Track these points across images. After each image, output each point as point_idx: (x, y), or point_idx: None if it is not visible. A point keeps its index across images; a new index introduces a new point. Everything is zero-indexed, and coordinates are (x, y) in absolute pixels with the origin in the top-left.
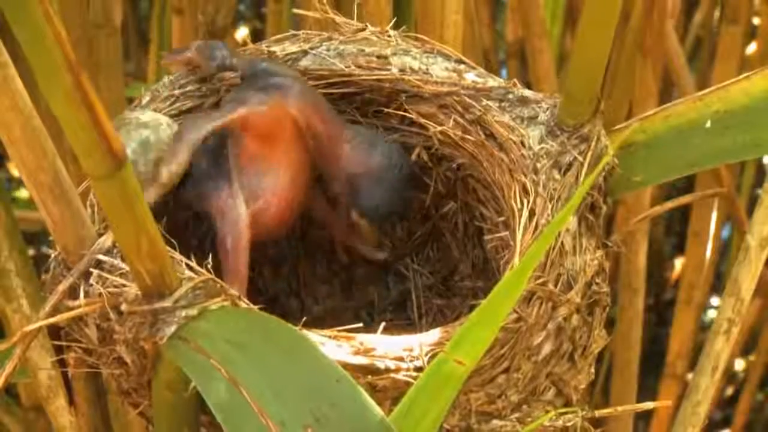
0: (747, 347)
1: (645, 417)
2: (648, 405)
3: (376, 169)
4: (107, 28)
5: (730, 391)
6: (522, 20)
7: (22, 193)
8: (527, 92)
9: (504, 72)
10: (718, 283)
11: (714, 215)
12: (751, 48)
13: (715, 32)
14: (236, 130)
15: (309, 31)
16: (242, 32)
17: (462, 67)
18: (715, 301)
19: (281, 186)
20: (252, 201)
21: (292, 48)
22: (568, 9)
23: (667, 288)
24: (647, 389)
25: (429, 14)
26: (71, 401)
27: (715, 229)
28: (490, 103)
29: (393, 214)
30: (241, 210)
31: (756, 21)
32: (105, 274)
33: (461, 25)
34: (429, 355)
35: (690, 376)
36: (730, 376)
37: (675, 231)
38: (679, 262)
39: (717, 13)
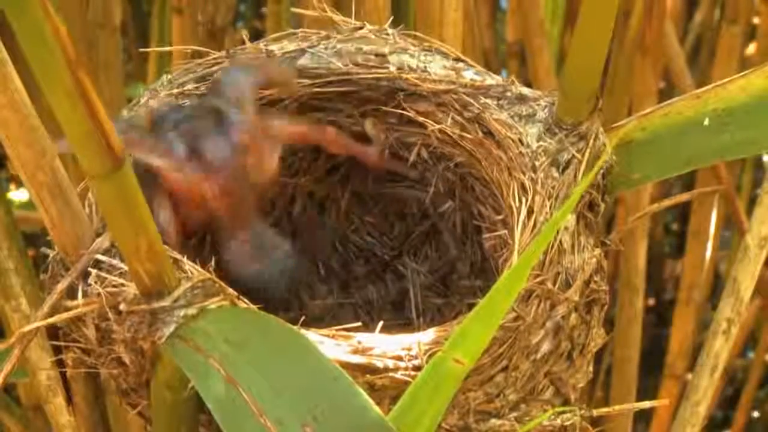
0: (747, 347)
1: (644, 417)
2: (646, 404)
3: (248, 277)
4: (107, 27)
5: (730, 391)
6: (522, 20)
7: (21, 194)
8: (525, 90)
9: (504, 72)
10: (718, 283)
11: (714, 215)
12: (751, 48)
13: (715, 32)
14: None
15: (307, 30)
16: (242, 32)
17: (460, 65)
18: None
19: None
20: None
21: (290, 46)
22: (568, 9)
23: (667, 288)
24: (647, 389)
25: (428, 13)
26: (70, 401)
27: (715, 229)
28: (488, 101)
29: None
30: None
31: (756, 21)
32: (104, 274)
33: (461, 25)
34: (427, 354)
35: (690, 376)
36: (730, 376)
37: (675, 231)
38: (679, 262)
39: (717, 13)
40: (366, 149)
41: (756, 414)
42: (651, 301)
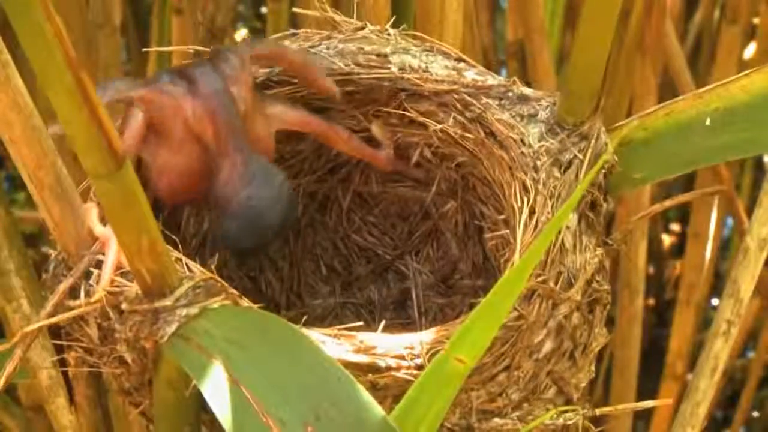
0: (747, 347)
1: (645, 417)
2: (649, 403)
3: (239, 204)
4: (107, 28)
5: (729, 391)
6: (522, 20)
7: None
8: (527, 90)
9: (503, 72)
10: (718, 283)
11: (714, 215)
12: (751, 48)
13: (715, 32)
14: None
15: (309, 30)
16: (242, 33)
17: (462, 65)
18: (715, 301)
19: (167, 171)
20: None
21: (291, 47)
22: (568, 9)
23: (667, 288)
24: (647, 389)
25: (428, 13)
26: (72, 401)
27: (715, 229)
28: (489, 101)
29: (248, 249)
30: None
31: (756, 21)
32: None
33: (461, 25)
34: (429, 353)
35: (690, 376)
36: (730, 376)
37: (675, 231)
38: (679, 263)
39: (717, 13)
40: (376, 153)
41: (756, 414)
42: (651, 301)
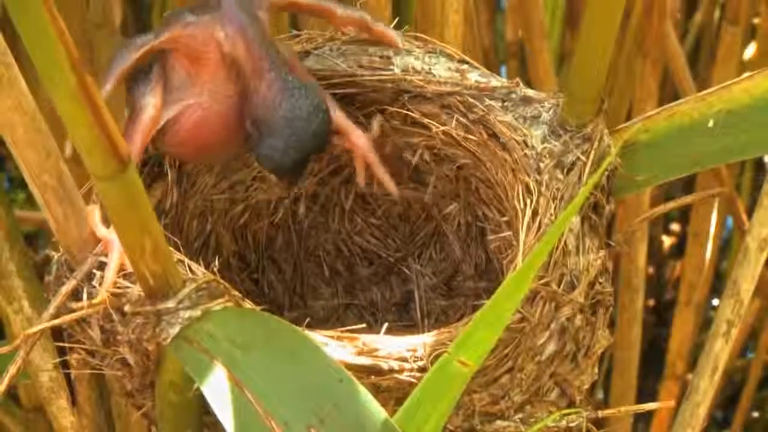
0: (747, 347)
1: (645, 417)
2: (651, 406)
3: (283, 118)
4: (107, 28)
5: (729, 391)
6: (522, 20)
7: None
8: (530, 92)
9: (504, 72)
10: (718, 284)
11: (714, 215)
12: (751, 48)
13: (715, 32)
14: (164, 51)
15: (312, 31)
16: None
17: (465, 67)
18: (715, 301)
19: (202, 101)
20: (172, 108)
21: (295, 48)
22: (568, 9)
23: (667, 288)
24: (647, 390)
25: (429, 14)
26: (74, 402)
27: (715, 229)
28: (492, 102)
29: (292, 166)
30: (150, 102)
31: (756, 21)
32: None
33: (461, 25)
34: (432, 355)
35: (690, 376)
36: (730, 376)
37: (675, 231)
38: (679, 263)
39: (717, 13)
40: (387, 180)
41: (756, 414)
42: (651, 302)
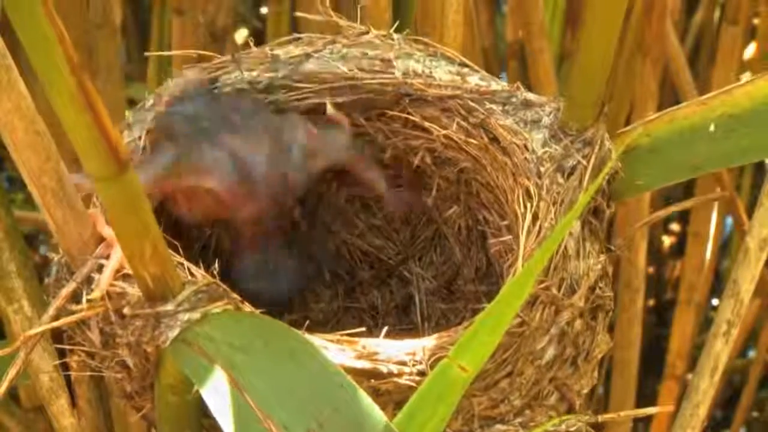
0: (747, 347)
1: (645, 418)
2: (650, 410)
3: (245, 288)
4: (107, 28)
5: (729, 391)
6: (522, 20)
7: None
8: (531, 96)
9: (503, 72)
10: (718, 284)
11: (714, 215)
12: (751, 49)
13: (715, 33)
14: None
15: (312, 35)
16: (242, 33)
17: (465, 70)
18: (715, 301)
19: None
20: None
21: (295, 51)
22: (568, 9)
23: (667, 288)
24: (647, 390)
25: (429, 14)
26: (74, 404)
27: (715, 230)
28: (493, 106)
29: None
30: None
31: (756, 21)
32: None
33: (461, 26)
34: (432, 359)
35: (690, 376)
36: (730, 376)
37: (675, 231)
38: (679, 263)
39: (717, 13)
40: (383, 190)
41: (756, 414)
42: (651, 302)
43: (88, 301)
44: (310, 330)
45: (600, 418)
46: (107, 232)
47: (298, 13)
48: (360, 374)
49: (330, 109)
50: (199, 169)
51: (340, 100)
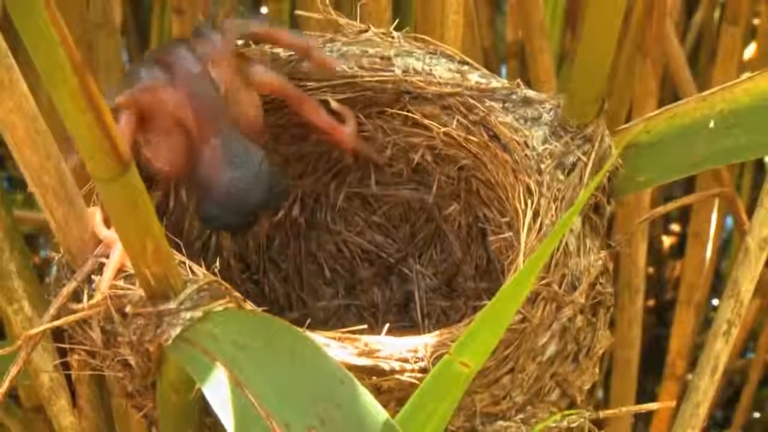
0: (747, 347)
1: (645, 417)
2: (651, 406)
3: (220, 188)
4: (107, 27)
5: (730, 391)
6: (522, 20)
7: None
8: (531, 93)
9: (504, 72)
10: (718, 284)
11: (714, 215)
12: (751, 48)
13: (715, 32)
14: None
15: (311, 33)
16: None
17: (465, 68)
18: (715, 301)
19: (159, 156)
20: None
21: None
22: (568, 9)
23: (667, 288)
24: (647, 390)
25: (429, 14)
26: (74, 403)
27: (715, 230)
28: (493, 103)
29: (234, 227)
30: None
31: (756, 21)
32: None
33: (461, 25)
34: (433, 356)
35: (690, 376)
36: (729, 376)
37: (675, 231)
38: (679, 263)
39: (717, 13)
40: (341, 127)
41: (756, 414)
42: (651, 302)
43: (90, 300)
44: (312, 328)
45: (601, 413)
46: (103, 233)
47: (299, 12)
48: (362, 371)
49: (334, 104)
50: (144, 87)
51: (340, 97)
